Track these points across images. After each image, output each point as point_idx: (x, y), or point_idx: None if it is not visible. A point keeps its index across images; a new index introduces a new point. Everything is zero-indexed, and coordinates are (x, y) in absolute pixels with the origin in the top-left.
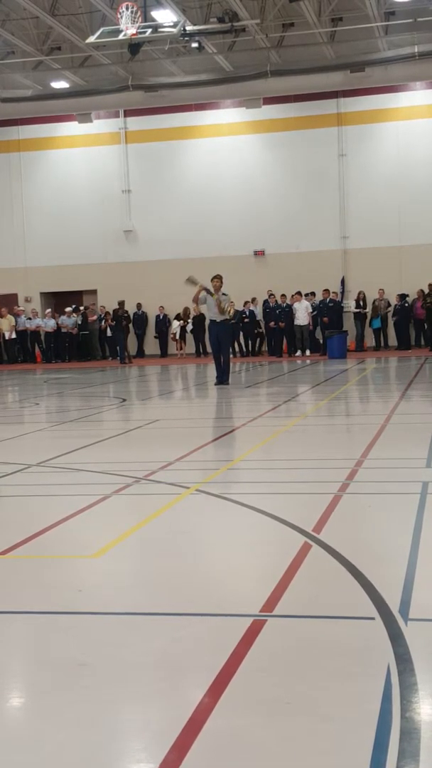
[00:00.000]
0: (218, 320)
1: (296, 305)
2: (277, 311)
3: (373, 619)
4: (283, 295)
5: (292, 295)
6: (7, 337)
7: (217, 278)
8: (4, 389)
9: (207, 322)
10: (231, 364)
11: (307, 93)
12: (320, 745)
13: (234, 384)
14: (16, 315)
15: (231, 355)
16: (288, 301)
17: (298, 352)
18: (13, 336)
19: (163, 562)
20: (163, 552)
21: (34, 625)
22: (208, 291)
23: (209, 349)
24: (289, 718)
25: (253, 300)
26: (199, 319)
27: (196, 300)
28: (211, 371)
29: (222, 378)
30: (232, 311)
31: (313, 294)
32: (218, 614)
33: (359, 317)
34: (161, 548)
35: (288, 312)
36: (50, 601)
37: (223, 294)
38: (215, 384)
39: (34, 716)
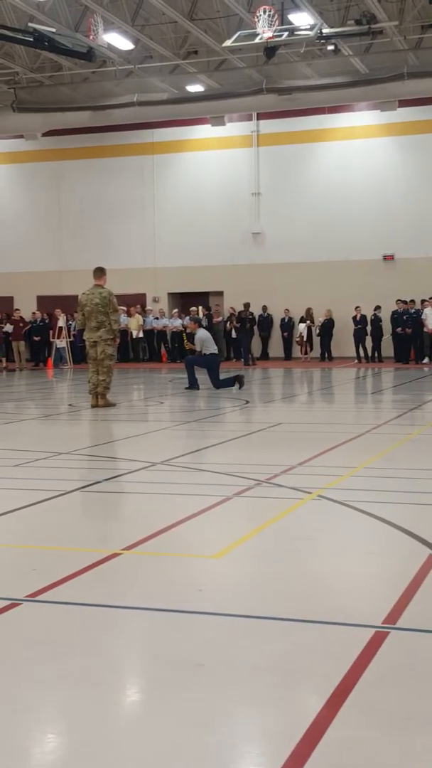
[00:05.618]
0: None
1: (427, 311)
2: (405, 317)
3: None
4: (412, 301)
5: (423, 301)
6: (134, 336)
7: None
8: (130, 387)
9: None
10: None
11: None
12: None
13: (358, 390)
14: (145, 314)
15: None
16: (418, 307)
17: (426, 359)
18: (141, 335)
19: (283, 567)
20: (283, 557)
21: (155, 621)
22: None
23: (334, 353)
24: (411, 734)
25: (377, 308)
26: (327, 322)
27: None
28: (337, 375)
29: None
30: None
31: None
32: (338, 623)
33: None
34: (281, 553)
35: (416, 318)
36: (171, 598)
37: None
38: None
39: (152, 713)
